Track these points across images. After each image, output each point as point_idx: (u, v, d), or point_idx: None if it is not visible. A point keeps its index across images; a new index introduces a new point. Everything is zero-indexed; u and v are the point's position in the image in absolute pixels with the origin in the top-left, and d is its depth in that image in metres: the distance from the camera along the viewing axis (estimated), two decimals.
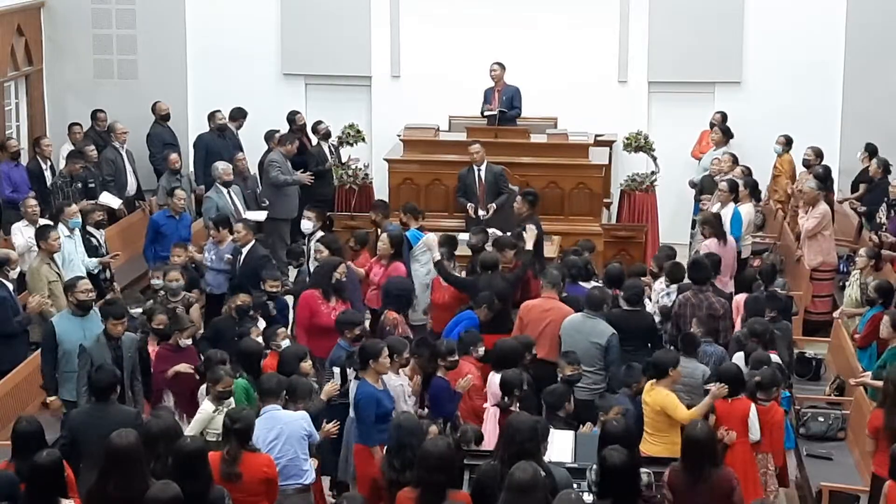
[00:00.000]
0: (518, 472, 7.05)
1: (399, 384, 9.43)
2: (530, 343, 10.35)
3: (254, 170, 16.18)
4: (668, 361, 9.50)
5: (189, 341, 10.44)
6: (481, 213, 14.27)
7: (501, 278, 11.80)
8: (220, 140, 16.53)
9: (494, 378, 9.70)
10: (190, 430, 8.85)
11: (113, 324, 9.76)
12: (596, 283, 11.86)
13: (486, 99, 15.79)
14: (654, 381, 9.45)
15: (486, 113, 15.72)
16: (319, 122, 16.63)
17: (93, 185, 14.94)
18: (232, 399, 9.13)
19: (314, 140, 16.67)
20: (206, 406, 9.06)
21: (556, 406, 9.33)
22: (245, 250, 12.58)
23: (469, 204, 14.39)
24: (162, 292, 11.72)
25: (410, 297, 11.56)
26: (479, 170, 14.53)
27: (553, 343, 10.67)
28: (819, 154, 15.68)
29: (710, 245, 12.74)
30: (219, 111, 16.71)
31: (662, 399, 9.29)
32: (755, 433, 9.18)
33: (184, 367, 10.14)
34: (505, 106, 15.60)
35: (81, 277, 10.70)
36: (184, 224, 13.91)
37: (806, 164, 15.75)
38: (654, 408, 9.32)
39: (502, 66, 15.71)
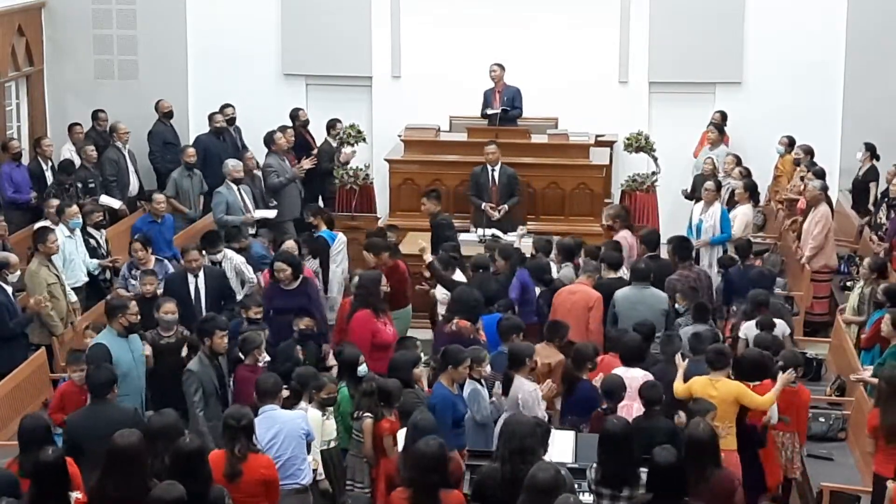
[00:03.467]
0: (540, 473, 6.94)
1: (532, 389, 9.43)
2: (653, 330, 10.48)
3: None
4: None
5: (267, 357, 10.06)
6: (495, 214, 14.36)
7: (493, 280, 11.82)
8: (219, 142, 16.53)
9: (626, 373, 9.62)
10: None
11: (220, 337, 9.61)
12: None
13: (486, 101, 15.76)
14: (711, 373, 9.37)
15: (487, 111, 15.71)
16: (337, 121, 16.61)
17: (93, 184, 14.94)
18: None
19: (323, 138, 16.63)
20: (314, 414, 9.04)
21: (654, 401, 9.11)
22: (201, 274, 11.66)
23: (484, 203, 14.44)
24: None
25: (481, 307, 11.01)
26: (493, 170, 14.59)
27: (580, 324, 10.85)
28: (808, 151, 15.66)
29: (625, 236, 13.18)
30: (218, 114, 16.70)
31: (735, 390, 9.25)
32: (774, 417, 9.38)
33: None
34: (506, 107, 15.59)
35: (130, 300, 10.26)
36: (166, 226, 13.87)
37: (796, 162, 15.75)
38: (725, 399, 9.17)
39: (502, 67, 15.70)
